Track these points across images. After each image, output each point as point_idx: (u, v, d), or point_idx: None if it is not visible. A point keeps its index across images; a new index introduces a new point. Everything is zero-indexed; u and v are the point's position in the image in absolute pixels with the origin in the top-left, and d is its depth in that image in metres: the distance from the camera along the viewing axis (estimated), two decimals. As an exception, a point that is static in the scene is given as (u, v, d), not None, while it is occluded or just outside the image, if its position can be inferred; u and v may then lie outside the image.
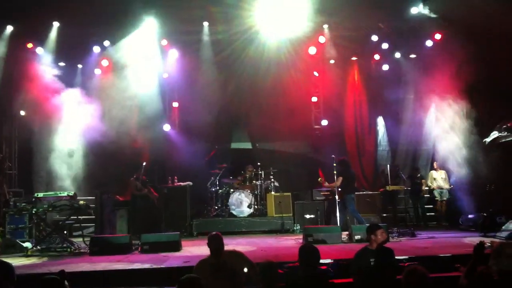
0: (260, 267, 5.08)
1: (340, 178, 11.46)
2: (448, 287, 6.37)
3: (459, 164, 13.04)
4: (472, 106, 13.09)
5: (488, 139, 11.74)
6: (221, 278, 5.44)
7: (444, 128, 13.30)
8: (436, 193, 13.88)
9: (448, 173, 13.77)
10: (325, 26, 14.56)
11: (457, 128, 12.88)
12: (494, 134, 11.58)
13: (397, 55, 14.98)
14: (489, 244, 5.99)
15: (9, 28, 13.56)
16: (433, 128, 13.87)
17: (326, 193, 12.80)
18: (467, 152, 12.64)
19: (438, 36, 14.46)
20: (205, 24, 14.40)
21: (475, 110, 13.01)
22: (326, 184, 11.96)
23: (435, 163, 13.98)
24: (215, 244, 5.83)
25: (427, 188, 14.02)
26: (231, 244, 10.71)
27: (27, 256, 9.67)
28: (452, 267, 7.41)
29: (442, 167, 13.85)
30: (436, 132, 13.72)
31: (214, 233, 5.98)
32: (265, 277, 5.00)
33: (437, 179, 13.87)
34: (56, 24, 13.63)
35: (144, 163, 12.05)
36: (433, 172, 14.01)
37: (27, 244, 10.24)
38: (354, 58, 15.23)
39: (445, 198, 13.70)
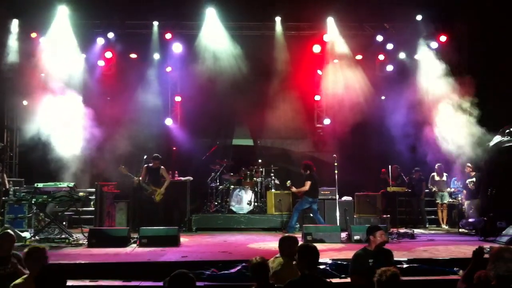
0: (251, 265, 5.05)
1: (308, 183, 11.73)
2: (446, 290, 6.38)
3: (461, 168, 12.99)
4: (477, 110, 13.03)
5: (491, 143, 11.68)
6: None
7: (448, 131, 13.23)
8: (437, 196, 13.84)
9: (449, 177, 13.73)
10: (330, 25, 14.53)
11: (461, 131, 12.82)
12: (497, 138, 11.51)
13: (402, 55, 14.93)
14: (488, 249, 5.96)
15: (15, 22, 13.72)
16: (437, 131, 13.78)
17: (326, 192, 12.76)
18: (469, 156, 12.58)
19: (443, 38, 14.44)
20: (210, 18, 14.35)
21: (479, 113, 12.95)
22: (294, 189, 12.08)
23: (436, 165, 13.91)
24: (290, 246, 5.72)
25: (427, 190, 14.00)
26: (230, 240, 10.74)
27: (25, 246, 9.64)
28: (450, 271, 7.42)
29: (444, 170, 13.80)
30: (439, 135, 13.64)
31: (291, 235, 5.91)
32: (256, 275, 4.98)
33: (438, 182, 13.82)
34: (62, 11, 13.63)
35: (145, 156, 11.99)
36: (434, 174, 13.96)
37: (26, 234, 10.24)
38: (358, 58, 15.13)
39: (445, 201, 13.66)
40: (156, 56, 14.68)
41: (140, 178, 11.65)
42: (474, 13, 13.08)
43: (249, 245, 10.05)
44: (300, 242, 5.98)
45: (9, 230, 6.67)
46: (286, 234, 6.07)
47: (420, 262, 7.82)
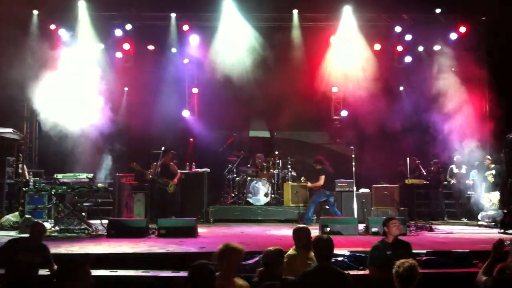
0: (265, 254, 5.07)
1: (323, 177, 11.68)
2: (465, 283, 6.32)
3: (480, 159, 12.84)
4: (497, 101, 12.86)
5: (511, 135, 11.53)
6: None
7: (466, 122, 13.08)
8: (455, 188, 13.70)
9: (468, 169, 13.57)
10: (347, 15, 14.40)
11: (480, 123, 12.68)
12: (517, 130, 11.38)
13: (420, 48, 14.77)
14: (509, 242, 5.90)
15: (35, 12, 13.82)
16: (455, 123, 13.64)
17: (343, 184, 12.71)
18: (489, 148, 12.44)
19: (463, 29, 14.23)
20: (228, 9, 14.32)
21: (499, 104, 12.79)
22: (309, 184, 12.05)
23: (455, 158, 13.77)
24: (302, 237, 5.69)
25: (446, 183, 13.86)
26: (247, 231, 10.77)
27: (45, 236, 9.76)
28: (469, 263, 7.36)
29: (463, 162, 13.64)
30: (458, 127, 13.51)
31: (303, 226, 5.94)
32: (265, 263, 5.00)
33: (457, 174, 13.68)
34: (81, 4, 13.76)
35: (163, 148, 12.02)
36: (453, 166, 13.82)
37: (46, 225, 10.35)
38: (376, 48, 14.97)
39: (464, 194, 13.51)
40: (174, 48, 14.72)
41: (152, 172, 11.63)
42: (493, 4, 12.87)
43: (266, 235, 10.08)
44: (318, 234, 5.98)
45: (39, 220, 6.77)
46: (298, 225, 6.05)
47: (438, 254, 7.77)
